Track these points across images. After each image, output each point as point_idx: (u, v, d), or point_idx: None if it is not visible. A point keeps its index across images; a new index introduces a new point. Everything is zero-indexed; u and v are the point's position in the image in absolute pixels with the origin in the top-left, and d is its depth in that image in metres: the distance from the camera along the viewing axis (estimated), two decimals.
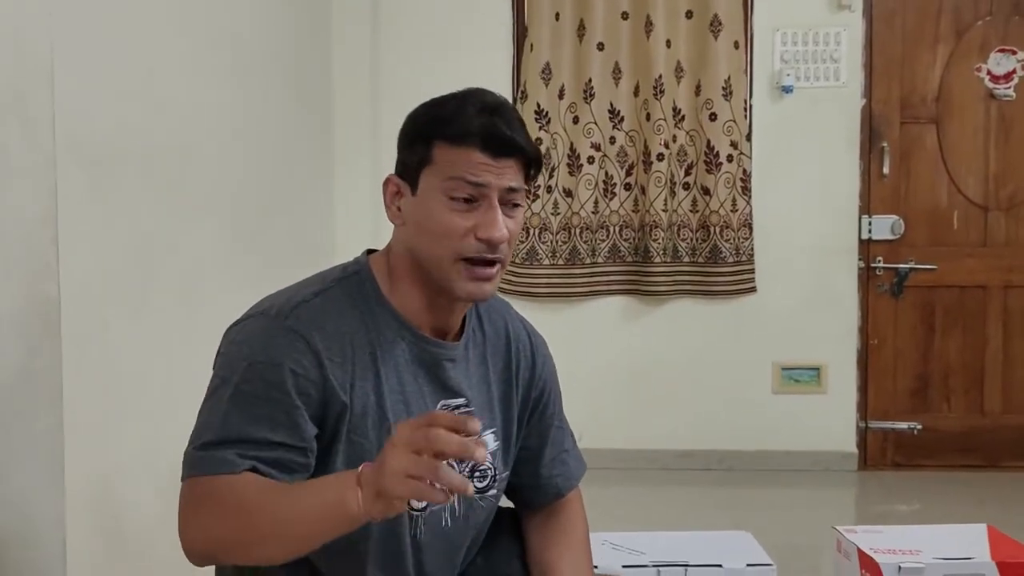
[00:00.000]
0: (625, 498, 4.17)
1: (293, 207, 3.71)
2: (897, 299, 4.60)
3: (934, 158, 4.57)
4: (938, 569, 2.32)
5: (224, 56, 2.96)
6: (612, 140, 4.56)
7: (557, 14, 4.53)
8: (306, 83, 4.00)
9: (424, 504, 1.51)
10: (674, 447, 4.59)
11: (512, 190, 1.47)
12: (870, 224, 4.56)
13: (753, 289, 4.56)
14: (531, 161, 1.50)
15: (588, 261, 4.60)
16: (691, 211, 4.55)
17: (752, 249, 4.54)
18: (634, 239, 4.59)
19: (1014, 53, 4.50)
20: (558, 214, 4.57)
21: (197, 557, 1.39)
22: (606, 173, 4.57)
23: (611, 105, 4.55)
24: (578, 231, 4.58)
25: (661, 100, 4.49)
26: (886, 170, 4.55)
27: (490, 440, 1.61)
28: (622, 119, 4.56)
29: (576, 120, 4.56)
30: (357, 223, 4.17)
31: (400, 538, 1.52)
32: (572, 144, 4.56)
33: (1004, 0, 4.51)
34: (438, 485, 1.20)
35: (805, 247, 4.56)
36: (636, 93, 4.55)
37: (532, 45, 4.54)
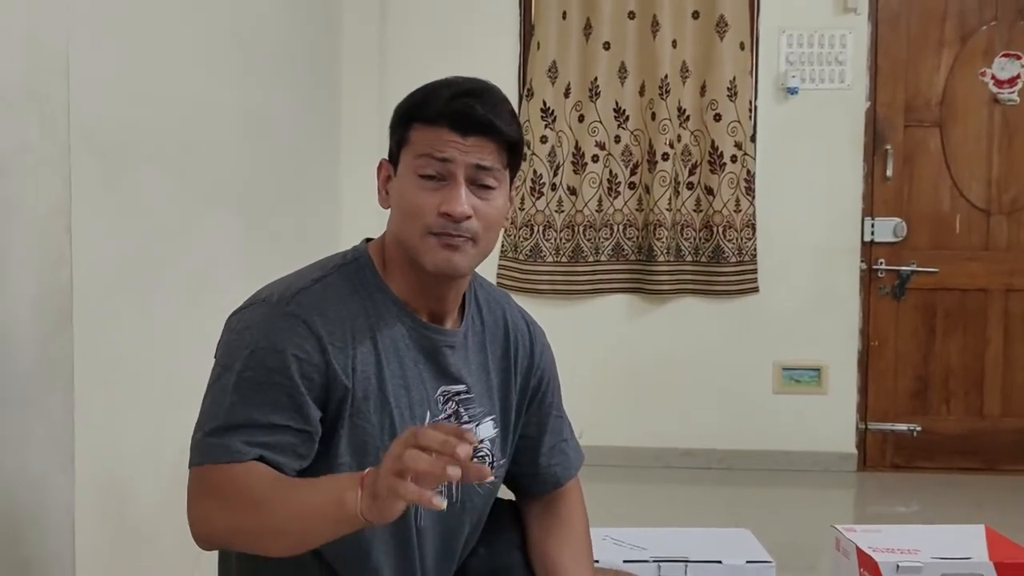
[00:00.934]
0: (626, 495, 4.19)
1: (301, 199, 3.74)
2: (898, 301, 4.62)
3: (937, 161, 4.59)
4: (936, 568, 2.34)
5: (236, 51, 2.98)
6: (617, 139, 4.58)
7: (564, 13, 4.54)
8: (315, 79, 4.02)
9: None
10: (675, 445, 4.61)
11: (481, 168, 1.48)
12: (873, 226, 4.58)
13: (755, 289, 4.58)
14: (508, 143, 1.51)
15: (591, 259, 4.62)
16: (695, 211, 4.57)
17: (755, 249, 4.56)
18: (638, 238, 4.61)
19: (1018, 58, 4.52)
20: (562, 212, 4.59)
21: (204, 542, 1.41)
22: (611, 172, 4.59)
23: (616, 104, 4.57)
24: (582, 229, 4.60)
25: (666, 100, 4.51)
26: (889, 173, 4.57)
27: (489, 427, 1.63)
28: (627, 118, 4.58)
29: (581, 119, 4.57)
30: (364, 216, 4.16)
31: (405, 524, 1.54)
32: (577, 142, 4.58)
33: (1009, 5, 4.52)
34: (434, 500, 1.20)
35: (808, 248, 4.58)
36: (642, 93, 4.57)
37: (539, 44, 4.55)
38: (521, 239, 4.59)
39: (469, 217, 1.48)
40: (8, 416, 1.71)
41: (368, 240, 1.62)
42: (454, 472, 1.19)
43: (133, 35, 2.24)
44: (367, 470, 1.30)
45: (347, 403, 1.46)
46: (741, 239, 4.53)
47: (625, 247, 4.62)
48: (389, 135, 1.56)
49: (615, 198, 4.60)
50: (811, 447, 4.59)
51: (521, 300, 4.25)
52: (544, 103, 4.56)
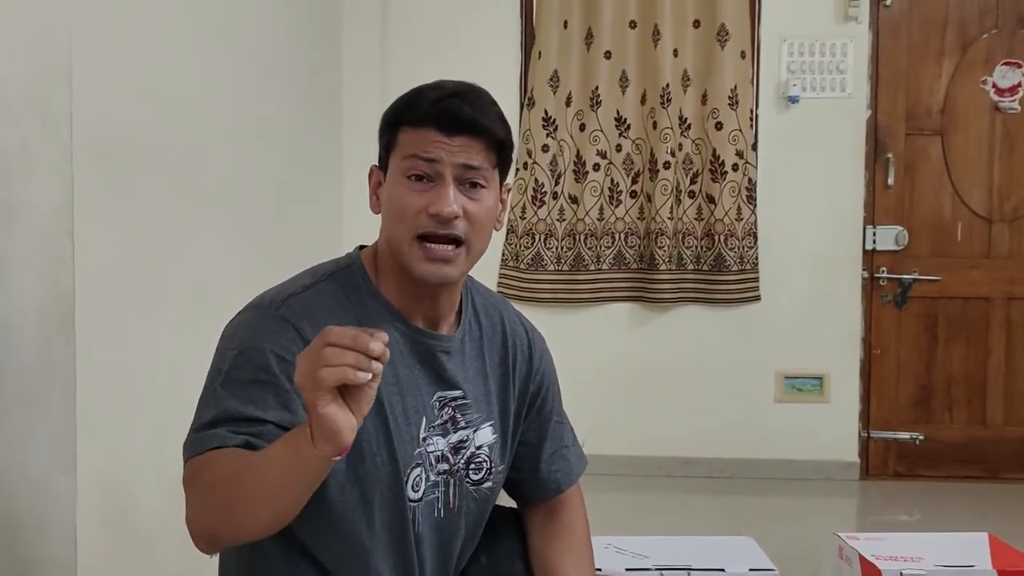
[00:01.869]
0: (628, 504, 4.18)
1: (303, 204, 3.74)
2: (900, 309, 4.62)
3: (938, 170, 4.59)
4: None
5: (237, 55, 2.98)
6: (618, 148, 4.59)
7: (565, 22, 4.55)
8: (317, 85, 4.03)
9: (419, 495, 1.53)
10: (677, 454, 4.60)
11: (469, 167, 1.48)
12: (874, 234, 4.58)
13: (757, 297, 4.58)
14: (496, 142, 1.51)
15: (593, 267, 4.62)
16: (696, 219, 4.57)
17: (756, 258, 4.56)
18: (639, 246, 4.61)
19: (1019, 66, 4.53)
20: (564, 220, 4.59)
21: (198, 539, 1.37)
22: (612, 180, 4.59)
23: (618, 113, 4.57)
24: (583, 237, 4.60)
25: (668, 109, 4.51)
26: (891, 181, 4.57)
27: (487, 433, 1.62)
28: (628, 127, 4.58)
29: (583, 127, 4.58)
30: (365, 221, 4.17)
31: (403, 530, 1.53)
32: (579, 151, 4.58)
33: (1010, 13, 4.53)
34: (357, 375, 1.17)
35: (809, 256, 4.58)
36: (643, 101, 4.57)
37: (540, 52, 4.56)
38: (522, 248, 4.59)
39: (457, 216, 1.47)
40: (10, 419, 1.71)
41: (362, 247, 1.61)
42: (363, 376, 1.17)
43: (135, 40, 2.25)
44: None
45: None
46: (743, 247, 4.53)
47: (627, 255, 4.62)
48: (378, 140, 1.56)
49: (616, 206, 4.60)
50: (813, 455, 4.58)
51: (523, 309, 4.24)
52: (545, 112, 4.56)
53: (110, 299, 2.11)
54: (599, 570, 2.05)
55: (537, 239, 4.58)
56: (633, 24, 4.53)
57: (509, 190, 1.60)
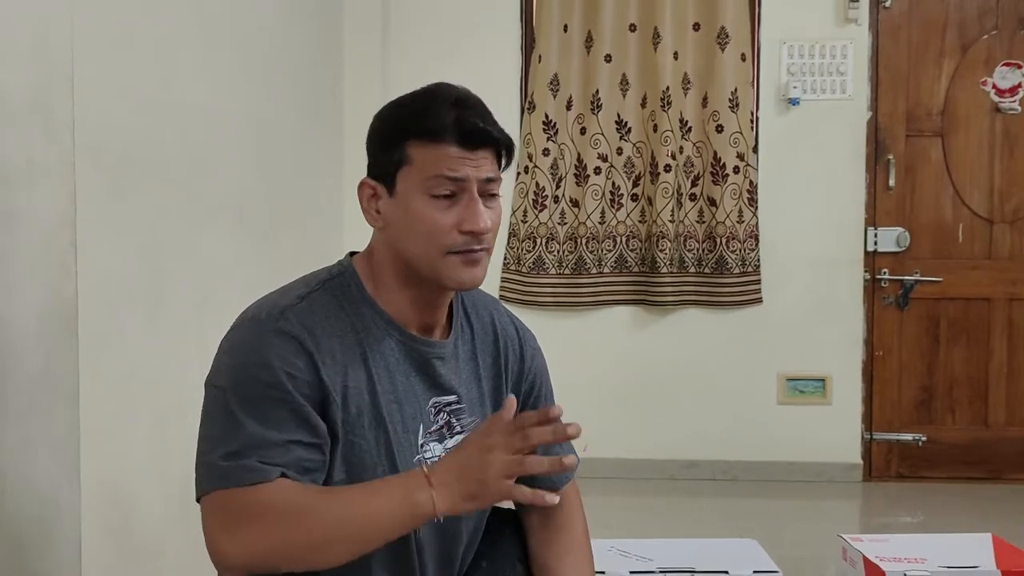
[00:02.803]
0: (631, 507, 4.19)
1: (305, 211, 3.75)
2: (902, 311, 4.62)
3: (939, 171, 4.59)
4: None
5: (239, 64, 2.99)
6: (619, 151, 4.59)
7: (565, 26, 4.56)
8: (318, 93, 4.03)
9: None
10: (680, 457, 4.60)
11: (490, 180, 1.49)
12: (875, 236, 4.58)
13: (759, 300, 4.58)
14: (504, 149, 1.52)
15: (594, 271, 4.62)
16: (698, 222, 4.57)
17: (758, 260, 4.56)
18: (641, 249, 4.61)
19: (1019, 67, 4.53)
20: (565, 224, 4.60)
21: (236, 570, 1.38)
22: (613, 184, 4.60)
23: (618, 116, 4.58)
24: (584, 241, 4.61)
25: (668, 112, 4.52)
26: (892, 182, 4.57)
27: None
28: (629, 130, 4.59)
29: (583, 131, 4.58)
30: (365, 229, 4.19)
31: (405, 538, 1.53)
32: (579, 155, 4.58)
33: (1010, 14, 4.53)
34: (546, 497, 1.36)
35: (811, 258, 4.58)
36: (643, 104, 4.58)
37: (540, 56, 4.57)
38: (524, 252, 4.59)
39: (491, 229, 1.49)
40: (13, 427, 1.71)
41: (352, 254, 1.60)
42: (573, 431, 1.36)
43: (137, 47, 2.25)
44: (425, 469, 1.37)
45: (341, 420, 1.45)
46: (744, 250, 4.53)
47: (628, 259, 4.62)
48: (372, 150, 1.53)
49: (618, 210, 4.60)
50: (816, 458, 4.58)
51: (524, 312, 4.25)
52: (546, 116, 4.57)
53: (113, 307, 2.11)
54: (602, 573, 2.05)
55: (538, 243, 4.59)
56: (633, 27, 4.54)
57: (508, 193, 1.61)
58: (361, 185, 1.55)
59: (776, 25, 4.55)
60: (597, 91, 4.55)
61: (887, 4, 4.54)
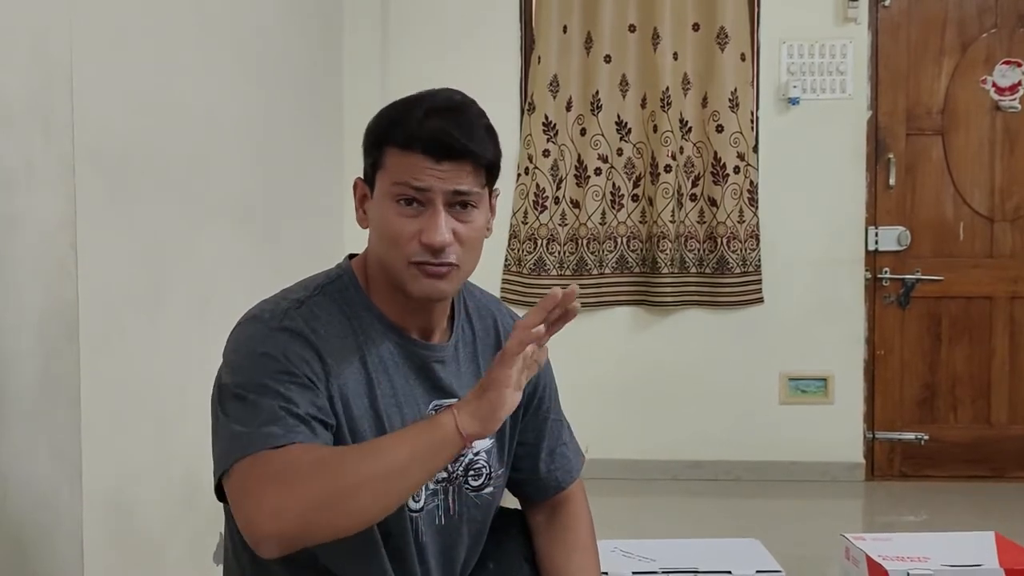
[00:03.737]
0: (634, 508, 4.18)
1: (305, 212, 3.75)
2: (903, 310, 4.62)
3: (940, 169, 4.59)
4: None
5: (238, 65, 2.99)
6: (619, 152, 4.59)
7: (565, 27, 4.56)
8: (317, 93, 4.03)
9: (420, 504, 1.53)
10: (682, 458, 4.60)
11: (460, 193, 1.46)
12: (876, 235, 4.58)
13: (760, 300, 4.58)
14: (485, 164, 1.49)
15: (595, 272, 4.62)
16: (698, 222, 4.57)
17: (759, 260, 4.56)
18: (641, 250, 4.61)
19: (1019, 65, 4.53)
20: (565, 225, 4.60)
21: (277, 539, 1.32)
22: (613, 184, 4.60)
23: (618, 117, 4.58)
24: (585, 242, 4.60)
25: (668, 112, 4.52)
26: (892, 181, 4.57)
27: (485, 439, 1.61)
28: (629, 131, 4.58)
29: (583, 132, 4.58)
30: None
31: (405, 541, 1.53)
32: (580, 156, 4.58)
33: (1009, 13, 4.53)
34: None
35: (812, 258, 4.58)
36: (643, 105, 4.58)
37: (540, 57, 4.57)
38: (525, 253, 4.59)
39: (450, 245, 1.46)
40: (15, 431, 1.71)
41: (351, 256, 1.60)
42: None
43: (136, 49, 2.25)
44: (446, 408, 1.39)
45: (342, 422, 1.45)
46: (745, 250, 4.53)
47: (629, 259, 4.62)
48: (363, 154, 1.54)
49: (618, 211, 4.60)
50: (818, 457, 4.58)
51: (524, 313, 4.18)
52: (546, 117, 4.56)
53: (114, 309, 2.11)
54: (605, 574, 2.05)
55: (539, 244, 4.58)
56: (632, 28, 4.54)
57: (498, 194, 1.59)
58: (355, 184, 1.55)
59: (776, 25, 4.55)
60: (597, 92, 4.55)
61: (886, 3, 4.54)
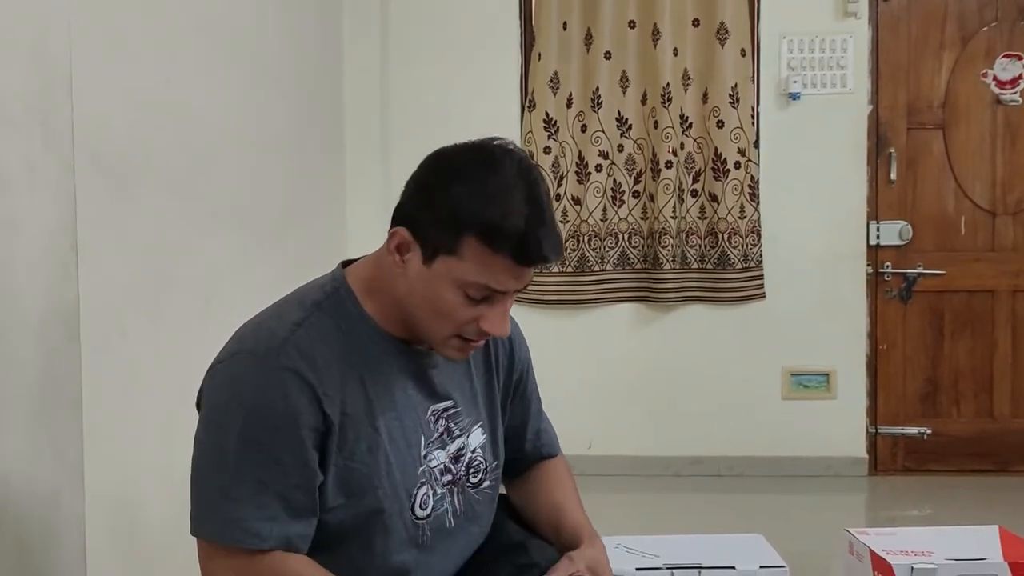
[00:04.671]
0: (636, 504, 4.18)
1: (307, 212, 3.74)
2: (906, 304, 4.61)
3: (941, 164, 4.58)
4: (950, 570, 2.33)
5: (239, 68, 2.99)
6: (620, 148, 4.59)
7: (564, 23, 4.55)
8: (318, 92, 4.03)
9: (428, 511, 1.53)
10: (684, 453, 4.60)
11: (523, 288, 1.47)
12: (878, 230, 4.58)
13: (762, 295, 4.57)
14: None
15: (597, 268, 4.61)
16: (699, 218, 4.57)
17: (760, 255, 4.55)
18: (643, 246, 4.61)
19: (1020, 58, 4.52)
20: (567, 222, 4.59)
21: None
22: (614, 181, 4.59)
23: (619, 113, 4.57)
24: (587, 239, 4.60)
25: (668, 108, 4.51)
26: (893, 176, 4.56)
27: (478, 434, 1.63)
28: (630, 127, 4.58)
29: (584, 128, 4.58)
30: (367, 232, 4.19)
31: (413, 548, 1.53)
32: (580, 152, 4.58)
33: (1009, 6, 4.52)
34: None
35: (813, 253, 4.58)
36: (644, 101, 4.57)
37: (540, 54, 4.56)
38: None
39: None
40: (16, 433, 1.71)
41: (344, 263, 1.57)
42: None
43: (136, 50, 2.25)
44: None
45: (336, 448, 1.44)
46: (746, 245, 4.53)
47: (630, 256, 4.62)
48: (419, 205, 1.43)
49: (619, 207, 4.60)
50: (821, 452, 4.57)
51: (527, 311, 4.22)
52: (546, 114, 4.56)
53: (115, 311, 2.11)
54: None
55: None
56: (632, 24, 4.53)
57: None
58: (394, 233, 1.45)
59: (775, 20, 4.54)
60: (597, 88, 4.55)
61: None
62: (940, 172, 4.58)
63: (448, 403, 1.58)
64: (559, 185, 4.58)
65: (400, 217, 1.46)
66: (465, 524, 1.60)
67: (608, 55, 4.54)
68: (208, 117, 2.69)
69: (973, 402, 4.62)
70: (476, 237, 1.38)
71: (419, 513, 1.52)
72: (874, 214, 4.58)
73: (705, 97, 4.54)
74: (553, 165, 4.57)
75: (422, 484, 1.51)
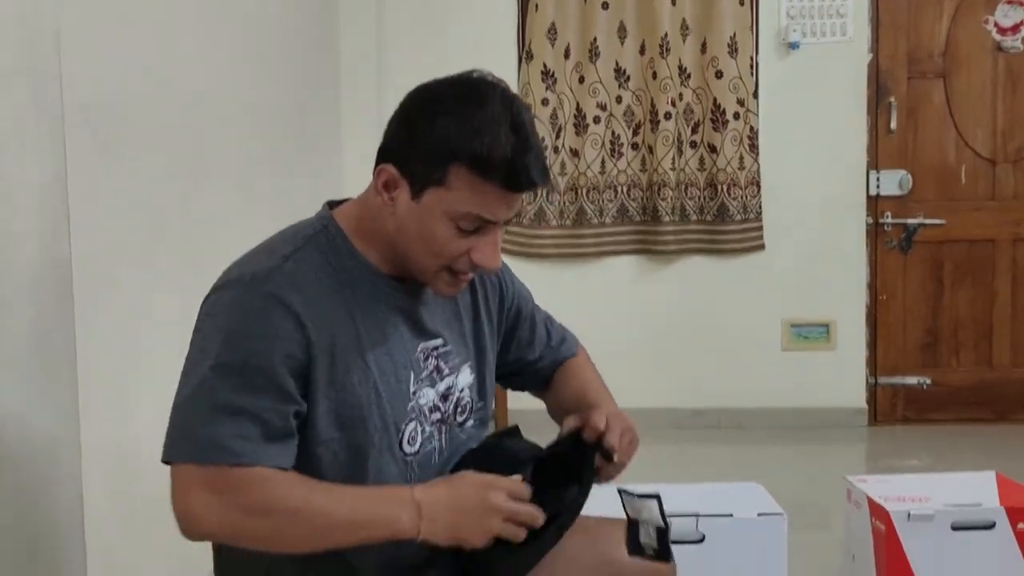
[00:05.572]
0: (637, 456, 4.17)
1: (301, 170, 3.72)
2: (905, 254, 4.61)
3: (941, 112, 4.56)
4: (947, 515, 2.35)
5: (233, 22, 2.96)
6: (618, 99, 4.56)
7: None
8: (314, 44, 3.99)
9: (416, 447, 1.54)
10: (685, 405, 4.61)
11: (513, 215, 1.48)
12: (878, 179, 4.56)
13: (761, 246, 4.56)
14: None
15: (596, 221, 4.60)
16: (699, 169, 4.55)
17: (760, 206, 4.54)
18: (642, 198, 4.59)
19: (1022, 4, 4.47)
20: (565, 175, 4.57)
21: (204, 538, 1.42)
22: (613, 133, 4.57)
23: (617, 64, 4.54)
24: (585, 191, 4.58)
25: (667, 59, 4.48)
26: (893, 125, 4.53)
27: (467, 374, 1.63)
28: (628, 78, 4.55)
29: (582, 80, 4.55)
30: (366, 182, 4.17)
31: (401, 484, 1.54)
32: (578, 104, 4.55)
33: None
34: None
35: (813, 204, 4.56)
36: (642, 52, 4.54)
37: (537, 5, 4.52)
38: (525, 203, 4.57)
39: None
40: (11, 391, 1.71)
41: (330, 203, 1.57)
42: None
43: (124, 8, 2.22)
44: (417, 494, 1.41)
45: (328, 380, 1.44)
46: (746, 196, 4.51)
47: (629, 208, 4.60)
48: (404, 139, 1.44)
49: (618, 159, 4.58)
50: (821, 403, 4.59)
51: (526, 264, 4.19)
52: (544, 65, 4.53)
53: (108, 268, 2.10)
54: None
55: (539, 194, 4.56)
56: None
57: None
58: (380, 171, 1.45)
59: None
60: (595, 39, 4.51)
61: None
62: (940, 121, 4.56)
63: (438, 341, 1.58)
64: (557, 137, 4.55)
65: (385, 155, 1.46)
66: (449, 461, 1.61)
67: (605, 5, 4.50)
68: (201, 73, 2.67)
69: (973, 352, 4.63)
70: (465, 167, 1.38)
71: (407, 449, 1.52)
72: (874, 164, 4.56)
73: (704, 47, 4.51)
74: (551, 117, 4.54)
75: (411, 420, 1.52)
